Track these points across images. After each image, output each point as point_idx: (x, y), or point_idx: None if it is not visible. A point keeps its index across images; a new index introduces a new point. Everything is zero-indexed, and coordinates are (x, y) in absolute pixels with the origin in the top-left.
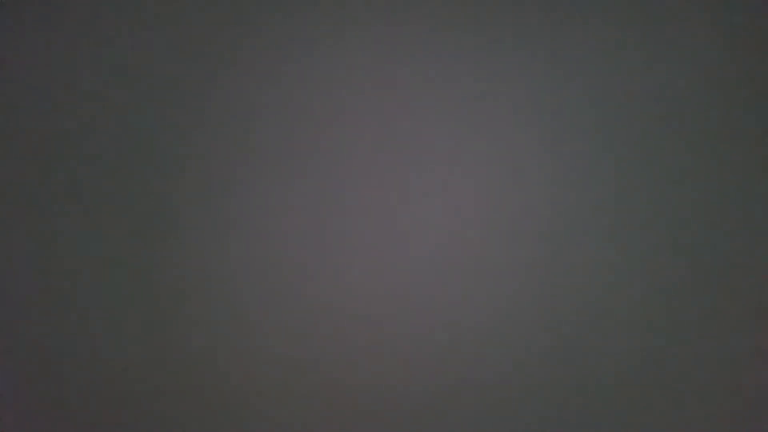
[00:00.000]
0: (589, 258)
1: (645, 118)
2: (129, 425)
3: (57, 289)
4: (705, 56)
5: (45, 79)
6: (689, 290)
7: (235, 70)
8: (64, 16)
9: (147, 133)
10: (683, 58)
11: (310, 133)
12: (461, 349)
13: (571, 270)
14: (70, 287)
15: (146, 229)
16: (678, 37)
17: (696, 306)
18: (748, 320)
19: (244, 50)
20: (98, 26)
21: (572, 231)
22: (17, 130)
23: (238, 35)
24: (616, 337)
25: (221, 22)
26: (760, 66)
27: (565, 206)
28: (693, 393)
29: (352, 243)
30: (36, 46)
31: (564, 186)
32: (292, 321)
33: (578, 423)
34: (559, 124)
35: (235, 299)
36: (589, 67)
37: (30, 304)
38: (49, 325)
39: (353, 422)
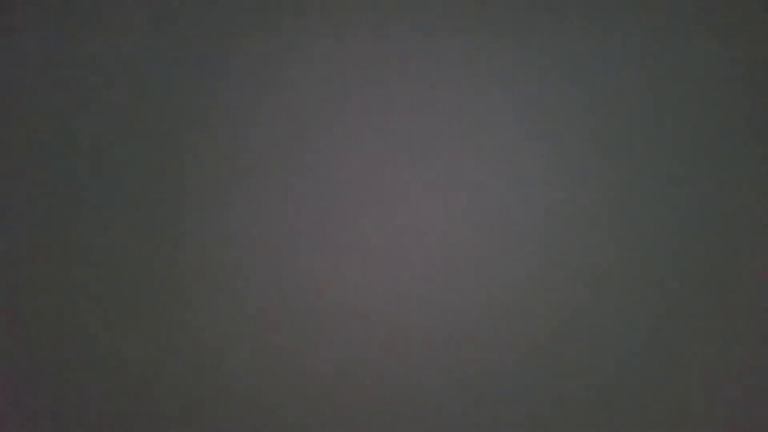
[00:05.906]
0: (589, 257)
1: (645, 119)
2: (132, 426)
3: (60, 290)
4: (705, 56)
5: (46, 81)
6: (689, 290)
7: (237, 72)
8: (65, 17)
9: (149, 135)
10: (683, 59)
11: (311, 134)
12: (461, 348)
13: (570, 269)
14: (74, 288)
15: (148, 230)
16: (678, 37)
17: (696, 305)
18: (748, 320)
19: (245, 52)
20: (99, 27)
21: (572, 230)
22: (19, 132)
23: (239, 37)
24: (615, 336)
25: (222, 24)
26: (760, 66)
27: (565, 206)
28: (692, 393)
29: (352, 243)
30: (36, 47)
31: (563, 186)
32: (294, 320)
33: (579, 422)
34: (559, 124)
35: (237, 299)
36: (588, 68)
37: (33, 305)
38: (52, 326)
39: (354, 420)
